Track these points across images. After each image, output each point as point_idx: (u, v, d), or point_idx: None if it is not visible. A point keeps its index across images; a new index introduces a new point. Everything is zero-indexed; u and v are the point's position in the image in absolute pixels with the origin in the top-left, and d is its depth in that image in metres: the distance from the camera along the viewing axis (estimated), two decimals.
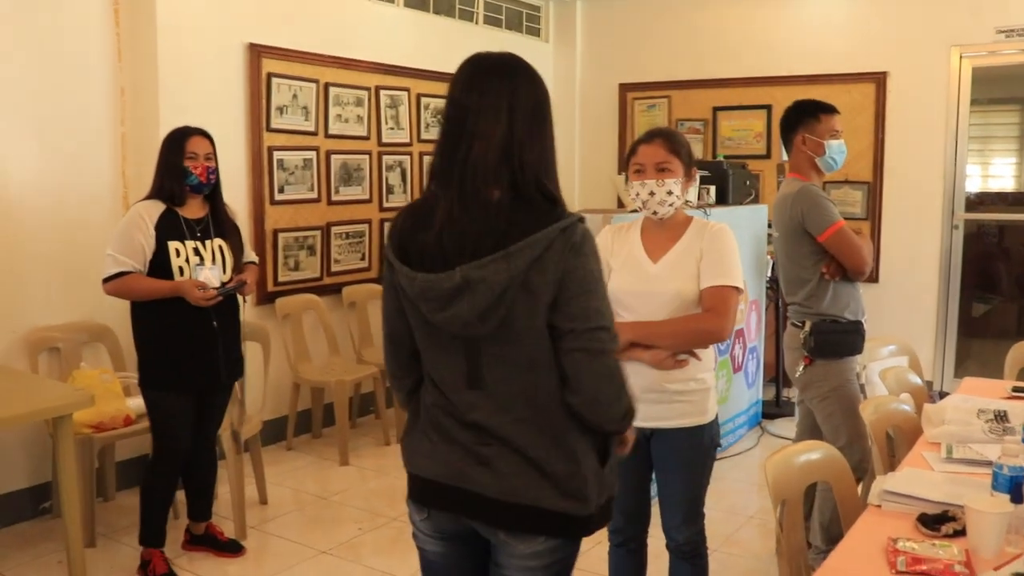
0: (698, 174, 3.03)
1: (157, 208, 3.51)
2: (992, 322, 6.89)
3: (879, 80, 6.43)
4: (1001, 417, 2.84)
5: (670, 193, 2.68)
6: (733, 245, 2.72)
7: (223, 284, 3.61)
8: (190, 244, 3.56)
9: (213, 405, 3.78)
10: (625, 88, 7.51)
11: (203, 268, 3.56)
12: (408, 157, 6.17)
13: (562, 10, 7.65)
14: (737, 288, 2.67)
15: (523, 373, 1.76)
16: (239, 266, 3.73)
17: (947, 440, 2.68)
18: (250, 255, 3.90)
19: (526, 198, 1.74)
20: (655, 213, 2.72)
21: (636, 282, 2.73)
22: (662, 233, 2.77)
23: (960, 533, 2.00)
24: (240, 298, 3.74)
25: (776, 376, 6.27)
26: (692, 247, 2.71)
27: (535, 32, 7.55)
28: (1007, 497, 1.97)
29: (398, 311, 1.87)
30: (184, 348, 3.56)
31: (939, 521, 2.07)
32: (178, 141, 3.56)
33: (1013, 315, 6.91)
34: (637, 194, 2.72)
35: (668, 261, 2.72)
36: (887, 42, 6.40)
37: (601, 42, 7.57)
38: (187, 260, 3.53)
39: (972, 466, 2.50)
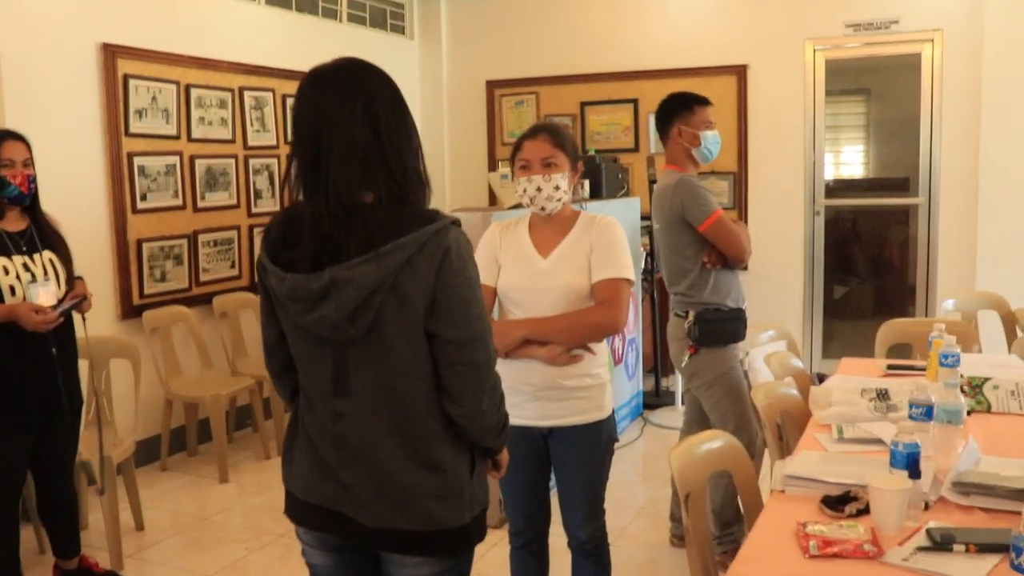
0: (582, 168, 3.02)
1: None
2: (850, 303, 7.21)
3: (740, 73, 6.65)
4: (883, 395, 2.94)
5: (557, 188, 2.66)
6: (622, 237, 2.72)
7: (59, 301, 3.31)
8: (17, 260, 3.25)
9: (59, 436, 3.46)
10: (493, 85, 7.50)
11: (37, 285, 3.25)
12: (275, 160, 5.98)
13: (427, 7, 7.57)
14: (628, 280, 2.67)
15: (392, 380, 1.73)
16: (71, 280, 3.43)
17: (836, 421, 2.75)
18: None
19: (398, 199, 1.72)
20: (543, 209, 2.69)
21: (527, 278, 2.71)
22: (550, 228, 2.74)
23: (863, 512, 2.04)
24: (78, 316, 3.45)
25: (655, 367, 6.38)
26: (581, 241, 2.70)
27: (400, 30, 7.45)
28: (905, 474, 2.02)
29: (270, 316, 1.84)
30: (18, 379, 3.24)
31: (842, 502, 2.11)
32: None
33: (869, 296, 7.26)
34: (524, 190, 2.69)
35: (558, 256, 2.70)
36: (746, 36, 6.63)
37: (467, 39, 7.54)
38: (17, 277, 3.22)
39: (863, 444, 2.57)
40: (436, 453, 1.77)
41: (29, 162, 3.30)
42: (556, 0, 7.19)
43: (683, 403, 5.99)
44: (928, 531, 1.91)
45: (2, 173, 3.21)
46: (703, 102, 3.67)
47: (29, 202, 3.33)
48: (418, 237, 1.66)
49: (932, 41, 6.28)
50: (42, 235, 3.38)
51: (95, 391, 3.91)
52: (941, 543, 1.86)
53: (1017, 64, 5.87)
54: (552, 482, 2.86)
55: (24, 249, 3.30)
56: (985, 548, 1.83)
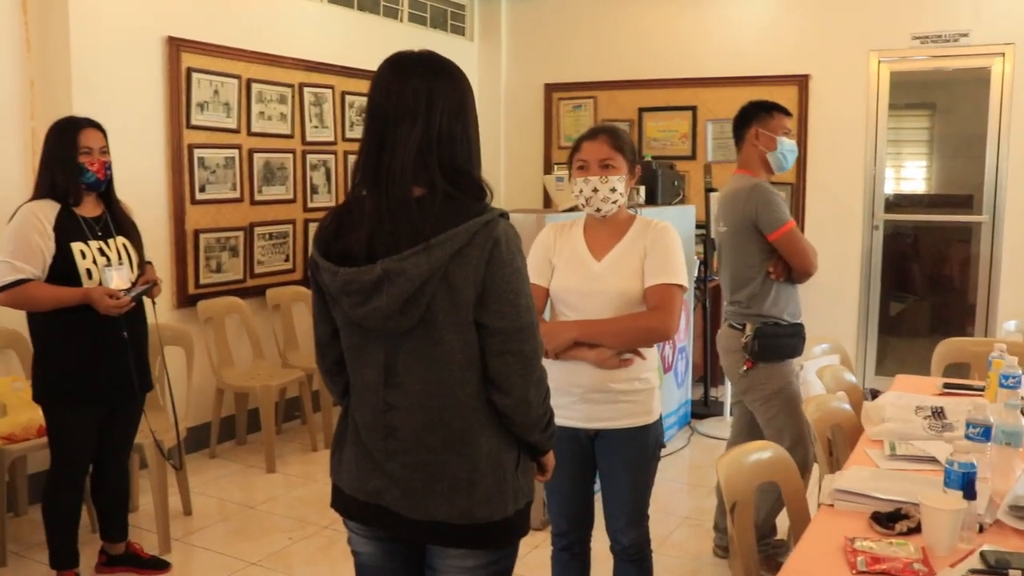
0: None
1: (52, 208, 3.24)
2: (906, 320, 7.08)
3: (802, 83, 6.56)
4: (938, 413, 2.88)
5: (613, 190, 2.65)
6: (677, 243, 2.70)
7: (132, 285, 3.38)
8: (94, 244, 3.31)
9: (125, 418, 3.54)
10: (551, 88, 7.51)
11: (111, 269, 3.32)
12: (333, 156, 6.05)
13: (487, 9, 7.60)
14: (682, 286, 2.65)
15: (441, 371, 1.75)
16: (143, 265, 3.51)
17: (889, 437, 2.70)
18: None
19: (449, 195, 1.73)
20: (598, 210, 2.68)
21: (580, 280, 2.70)
22: (605, 231, 2.73)
23: (914, 531, 2.01)
24: (150, 301, 3.52)
25: (704, 376, 6.33)
26: (636, 245, 2.68)
27: (460, 31, 7.49)
28: (960, 494, 1.98)
29: (322, 313, 1.86)
30: (94, 361, 3.31)
31: (892, 519, 2.07)
32: (70, 134, 3.27)
33: (926, 313, 7.12)
34: (580, 191, 2.68)
35: (612, 259, 2.69)
36: (809, 46, 6.54)
37: (526, 42, 7.56)
38: (94, 261, 3.29)
39: (916, 462, 2.53)
40: (483, 445, 1.78)
41: (105, 149, 3.37)
42: (615, 4, 7.17)
43: (731, 414, 5.95)
44: (982, 554, 1.87)
45: (80, 160, 3.27)
46: (784, 111, 3.65)
47: (105, 188, 3.41)
48: (468, 228, 1.69)
49: (1003, 55, 6.13)
50: (116, 221, 3.45)
51: (164, 375, 3.99)
52: (996, 567, 1.82)
53: None
54: (597, 486, 2.84)
55: (100, 234, 3.36)
56: None
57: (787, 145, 3.58)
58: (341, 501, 1.92)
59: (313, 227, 5.12)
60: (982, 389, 3.16)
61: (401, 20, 6.78)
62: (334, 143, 6.04)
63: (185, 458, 4.31)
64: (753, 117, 3.60)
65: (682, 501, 4.69)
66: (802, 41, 6.57)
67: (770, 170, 3.61)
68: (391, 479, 1.79)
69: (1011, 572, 1.79)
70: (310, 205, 5.87)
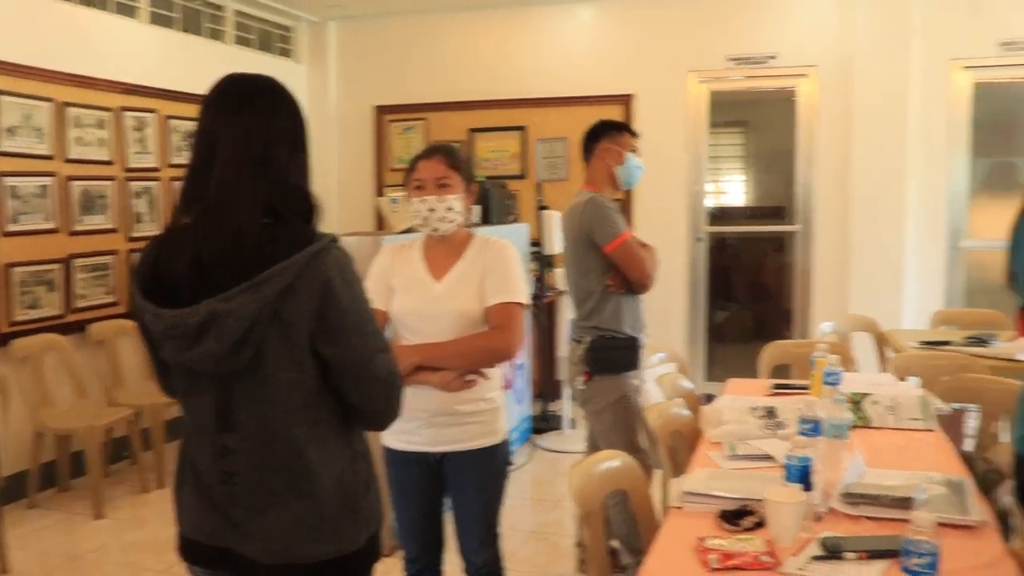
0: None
1: None
2: (731, 327, 7.43)
3: (626, 102, 6.81)
4: (771, 413, 3.04)
5: (451, 209, 2.66)
6: (517, 260, 2.73)
7: None
8: None
9: None
10: (381, 110, 7.48)
11: None
12: (157, 183, 5.80)
13: (316, 31, 7.51)
14: (523, 304, 2.68)
15: (279, 410, 1.69)
16: None
17: (728, 439, 2.82)
18: None
19: (280, 224, 1.68)
20: (436, 230, 2.68)
21: (420, 303, 2.68)
22: (444, 251, 2.73)
23: (759, 525, 2.10)
24: None
25: (542, 391, 6.42)
26: (475, 264, 2.69)
27: (287, 53, 7.36)
28: (799, 487, 2.09)
29: (152, 348, 1.77)
30: None
31: (738, 516, 2.16)
32: None
33: (748, 320, 7.49)
34: (418, 211, 2.67)
35: (452, 279, 2.68)
36: (632, 66, 6.81)
37: (356, 64, 7.51)
38: None
39: (754, 461, 2.65)
40: (327, 480, 1.73)
41: None
42: (445, 27, 7.24)
43: (573, 427, 6.07)
44: (821, 541, 1.98)
45: None
46: (632, 131, 3.77)
47: None
48: (296, 261, 1.62)
49: (807, 76, 6.57)
50: None
51: None
52: (834, 552, 1.93)
53: (884, 100, 6.22)
54: (447, 507, 2.84)
55: None
56: (874, 555, 1.90)
57: (635, 161, 3.70)
58: (185, 546, 1.83)
59: (138, 258, 4.90)
60: (806, 388, 3.34)
61: (226, 42, 6.60)
62: (158, 169, 5.81)
63: (1, 510, 4.01)
64: (603, 133, 3.70)
65: (528, 516, 4.74)
66: (625, 62, 6.83)
67: (616, 186, 3.71)
68: (235, 523, 1.72)
69: (847, 554, 1.91)
70: (133, 235, 5.61)
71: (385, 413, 1.80)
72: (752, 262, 7.41)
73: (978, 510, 2.18)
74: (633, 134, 3.75)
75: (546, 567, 4.03)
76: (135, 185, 5.63)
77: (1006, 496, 2.45)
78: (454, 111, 7.25)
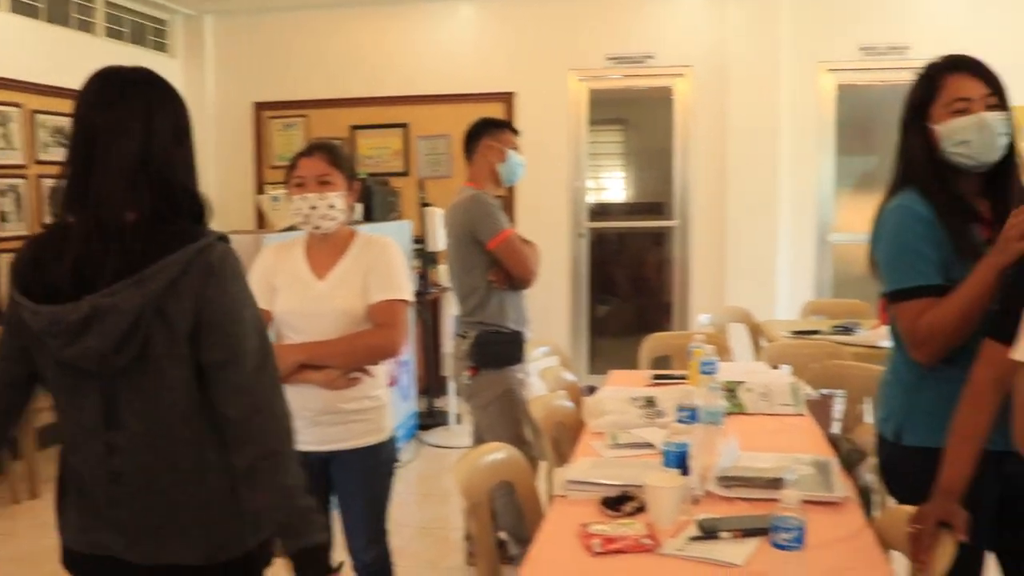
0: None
1: None
2: (612, 321, 7.59)
3: (508, 100, 6.88)
4: (651, 403, 3.13)
5: (332, 207, 2.65)
6: (400, 258, 2.75)
7: None
8: None
9: None
10: (260, 107, 7.35)
11: None
12: (23, 180, 5.55)
13: (191, 25, 7.31)
14: (406, 301, 2.69)
15: (166, 408, 1.66)
16: None
17: (610, 429, 2.90)
18: None
19: (164, 219, 1.64)
20: (318, 228, 2.67)
21: (303, 301, 2.67)
22: (326, 249, 2.73)
23: (640, 510, 2.18)
24: None
25: (427, 388, 6.44)
26: (358, 262, 2.70)
27: (161, 47, 7.15)
28: (677, 472, 2.17)
29: (12, 354, 1.71)
30: None
31: (620, 502, 2.23)
32: None
33: (629, 313, 7.67)
34: (299, 208, 2.66)
35: (335, 277, 2.68)
36: (513, 65, 6.88)
37: (234, 59, 7.35)
38: None
39: (635, 449, 2.73)
40: (214, 481, 1.70)
41: None
42: (325, 23, 7.16)
43: (459, 422, 6.11)
44: (698, 522, 2.06)
45: None
46: (513, 129, 3.82)
47: None
48: (182, 257, 1.59)
49: (683, 76, 6.77)
50: None
51: None
52: (710, 532, 2.01)
53: (757, 99, 6.48)
54: (334, 506, 2.83)
55: None
56: (748, 532, 2.00)
57: (516, 159, 3.75)
58: (67, 556, 1.78)
59: (6, 259, 4.69)
60: (684, 377, 3.46)
61: (96, 34, 6.36)
62: (24, 166, 5.56)
63: None
64: (485, 131, 3.74)
65: (416, 512, 4.75)
66: (507, 60, 6.90)
67: (498, 183, 3.75)
68: (117, 527, 1.68)
69: (722, 534, 2.00)
70: None
71: (269, 445, 1.68)
72: (633, 257, 7.59)
73: (842, 487, 2.31)
74: (514, 132, 3.80)
75: (436, 561, 4.06)
76: None
77: (867, 473, 2.59)
78: (335, 108, 7.18)
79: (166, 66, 7.09)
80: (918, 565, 1.92)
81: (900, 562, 2.08)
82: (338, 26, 7.15)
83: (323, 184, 2.66)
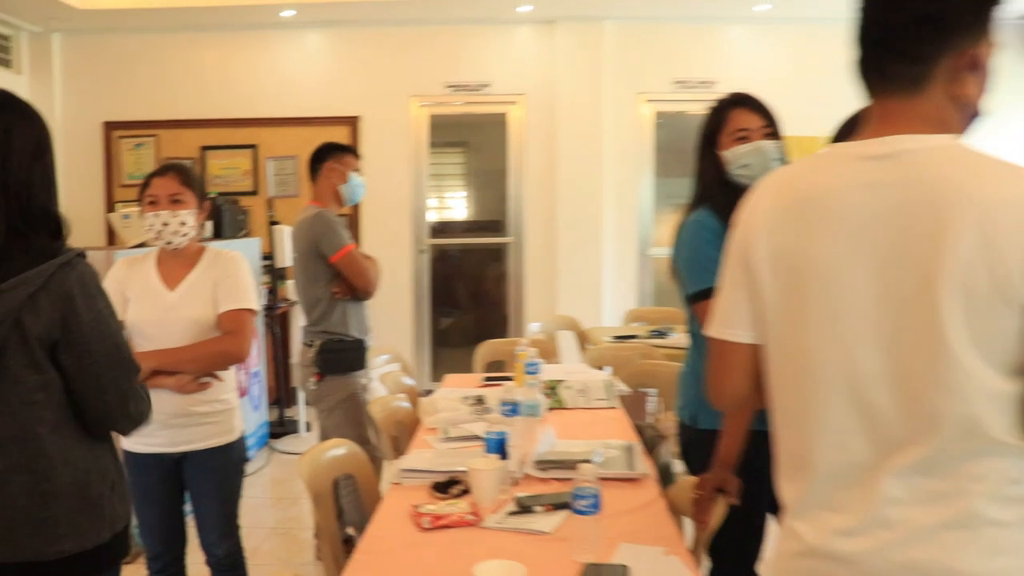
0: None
1: None
2: (455, 332, 7.80)
3: (353, 123, 7.00)
4: (480, 401, 3.35)
5: (183, 224, 2.75)
6: (246, 270, 2.87)
7: None
8: None
9: None
10: (110, 126, 7.19)
11: None
12: None
13: (38, 42, 7.07)
14: (252, 310, 2.82)
15: (21, 412, 1.69)
16: None
17: (442, 424, 3.09)
18: None
19: (24, 236, 1.68)
20: (169, 243, 2.76)
21: (154, 311, 2.75)
22: (177, 263, 2.82)
23: (466, 492, 2.38)
24: None
25: (278, 399, 6.47)
26: (208, 274, 2.80)
27: (6, 63, 6.89)
28: (497, 457, 2.39)
29: None
30: None
31: (448, 486, 2.43)
32: None
33: (471, 324, 7.89)
34: (151, 225, 2.75)
35: (185, 288, 2.78)
36: (358, 90, 7.01)
37: (83, 78, 7.16)
38: None
39: (464, 441, 2.93)
40: (67, 479, 1.74)
41: None
42: (172, 46, 7.09)
43: (308, 430, 6.18)
44: (516, 499, 2.28)
45: None
46: (356, 152, 3.97)
47: None
48: (41, 272, 1.63)
49: (516, 103, 7.08)
50: None
51: None
52: (525, 507, 2.23)
53: (583, 125, 6.88)
54: (188, 505, 2.91)
55: None
56: (557, 506, 2.23)
57: (357, 180, 3.90)
58: None
59: None
60: (511, 378, 3.69)
61: None
62: None
63: None
64: (328, 154, 3.88)
65: (269, 514, 4.81)
66: (352, 86, 7.03)
67: (341, 202, 3.90)
68: None
69: (536, 508, 2.23)
70: None
71: (123, 421, 1.83)
72: (473, 271, 7.82)
73: (642, 466, 2.58)
74: (356, 155, 3.96)
75: (288, 559, 4.14)
76: None
77: (667, 454, 2.89)
78: (185, 128, 7.12)
79: (12, 82, 6.85)
80: (699, 524, 2.22)
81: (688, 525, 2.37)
82: (187, 49, 7.10)
83: (175, 203, 2.75)
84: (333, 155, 3.88)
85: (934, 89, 1.28)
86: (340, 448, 2.72)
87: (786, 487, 1.41)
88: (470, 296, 7.85)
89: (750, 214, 1.43)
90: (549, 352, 4.78)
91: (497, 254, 7.43)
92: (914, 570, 1.23)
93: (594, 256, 6.95)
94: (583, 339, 5.50)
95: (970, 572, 1.21)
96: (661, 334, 5.04)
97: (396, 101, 7.04)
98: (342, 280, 3.74)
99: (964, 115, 1.31)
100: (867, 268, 1.27)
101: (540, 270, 7.09)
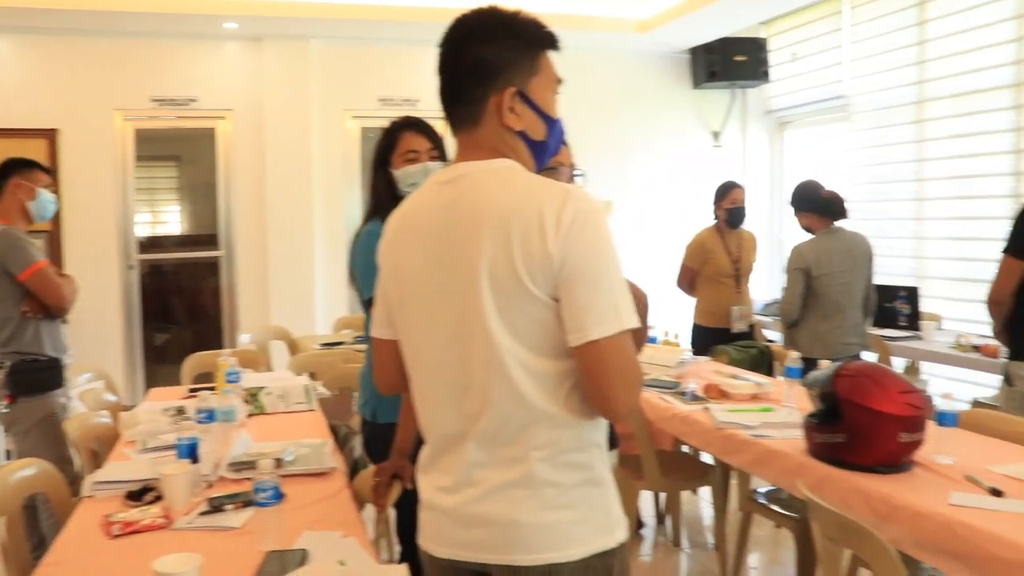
0: None
1: None
2: (172, 347, 7.51)
3: (51, 136, 6.55)
4: (180, 411, 3.34)
5: None
6: None
7: None
8: None
9: None
10: None
11: None
12: None
13: None
14: None
15: None
16: None
17: (141, 436, 3.05)
18: None
19: None
20: None
21: None
22: None
23: (159, 498, 2.40)
24: None
25: None
26: None
27: None
28: (188, 461, 2.43)
29: None
30: None
31: (142, 494, 2.43)
32: None
33: (188, 339, 7.64)
34: None
35: None
36: (57, 102, 6.56)
37: None
38: None
39: (163, 451, 2.90)
40: None
41: None
42: None
43: (8, 458, 5.72)
44: (209, 500, 2.34)
45: None
46: (44, 168, 3.78)
47: None
48: None
49: (224, 118, 6.96)
50: None
51: None
52: (217, 507, 2.30)
53: (291, 140, 6.91)
54: None
55: None
56: (247, 503, 2.29)
57: (47, 196, 3.72)
58: None
59: None
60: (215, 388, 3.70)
61: None
62: None
63: None
64: (14, 170, 3.68)
65: None
66: (49, 97, 6.56)
67: (30, 219, 3.70)
68: None
69: (226, 507, 2.29)
70: None
71: None
72: (189, 286, 7.57)
73: (331, 461, 2.71)
74: (45, 171, 3.79)
75: None
76: None
77: (357, 449, 3.05)
78: None
79: None
80: (378, 507, 2.39)
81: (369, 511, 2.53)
82: None
83: None
84: (19, 171, 3.69)
85: (488, 123, 1.56)
86: (30, 468, 2.63)
87: (422, 452, 1.68)
88: (186, 311, 7.61)
89: (384, 233, 1.70)
90: (259, 361, 4.79)
91: (212, 268, 7.26)
92: (487, 521, 1.52)
93: (306, 267, 6.98)
94: (293, 347, 5.54)
95: (528, 523, 1.50)
96: (365, 339, 5.18)
97: (98, 114, 6.67)
98: (32, 298, 3.57)
99: (525, 141, 1.58)
100: (438, 272, 1.54)
101: (253, 282, 7.02)
